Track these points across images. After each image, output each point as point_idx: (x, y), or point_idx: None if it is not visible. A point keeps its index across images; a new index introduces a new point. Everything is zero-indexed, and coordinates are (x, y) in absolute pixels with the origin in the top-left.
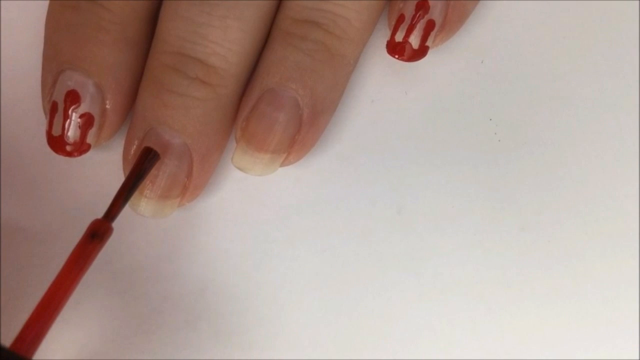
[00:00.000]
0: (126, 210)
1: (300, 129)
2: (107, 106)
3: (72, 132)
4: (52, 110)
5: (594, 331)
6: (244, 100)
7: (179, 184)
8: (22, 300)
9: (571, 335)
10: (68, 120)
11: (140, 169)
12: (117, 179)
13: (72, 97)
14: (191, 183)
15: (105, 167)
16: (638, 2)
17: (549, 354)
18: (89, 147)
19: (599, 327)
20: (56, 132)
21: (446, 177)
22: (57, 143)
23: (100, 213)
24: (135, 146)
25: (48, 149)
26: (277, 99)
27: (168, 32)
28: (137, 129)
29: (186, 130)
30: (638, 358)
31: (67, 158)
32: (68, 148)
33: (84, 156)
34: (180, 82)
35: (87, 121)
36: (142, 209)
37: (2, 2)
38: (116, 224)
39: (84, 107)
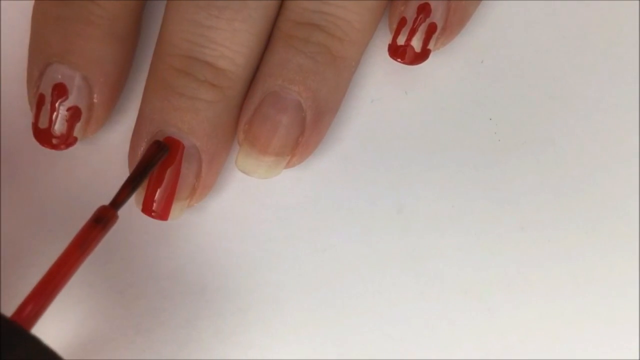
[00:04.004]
0: (127, 210)
1: (304, 131)
2: (95, 100)
3: (58, 125)
4: (38, 103)
5: (594, 331)
6: (246, 102)
7: (188, 185)
8: (22, 298)
9: (571, 335)
10: (55, 113)
11: (149, 160)
12: (117, 178)
13: (59, 90)
14: (200, 184)
15: (107, 166)
16: (638, 2)
17: (549, 353)
18: (75, 140)
19: (599, 327)
20: (43, 124)
21: (446, 177)
22: (43, 136)
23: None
24: (142, 149)
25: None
26: (280, 101)
27: (175, 35)
28: (145, 131)
29: (195, 132)
30: (638, 358)
31: (67, 157)
32: (54, 141)
33: (85, 155)
34: (189, 85)
35: (74, 114)
36: (152, 211)
37: (2, 2)
38: (117, 224)
39: (71, 100)
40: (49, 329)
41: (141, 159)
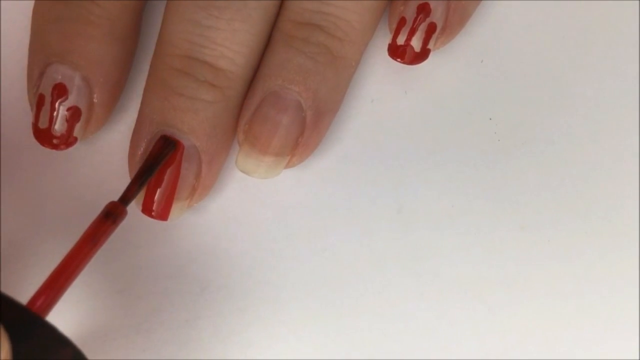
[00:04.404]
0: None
1: (304, 132)
2: (95, 100)
3: (59, 125)
4: (38, 103)
5: (594, 331)
6: (246, 102)
7: (188, 185)
8: (23, 299)
9: (571, 335)
10: (55, 113)
11: (156, 156)
12: (118, 178)
13: (60, 90)
14: (200, 184)
15: (107, 166)
16: (638, 2)
17: (549, 354)
18: (75, 140)
19: (599, 327)
20: (43, 124)
21: (446, 177)
22: (43, 135)
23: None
24: (142, 149)
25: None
26: (280, 101)
27: (175, 35)
28: (145, 131)
29: (195, 133)
30: (638, 358)
31: (67, 157)
32: (55, 141)
33: (85, 155)
34: (189, 85)
35: (74, 114)
36: (152, 212)
37: (2, 2)
38: None
39: (71, 100)
40: None
41: (149, 155)
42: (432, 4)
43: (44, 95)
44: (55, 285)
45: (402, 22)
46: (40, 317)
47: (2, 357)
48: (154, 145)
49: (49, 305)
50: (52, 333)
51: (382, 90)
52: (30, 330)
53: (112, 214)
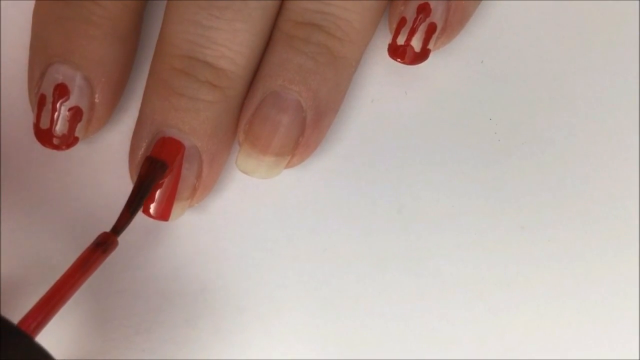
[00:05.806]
0: None
1: (304, 132)
2: (96, 100)
3: (60, 125)
4: (40, 103)
5: (594, 331)
6: (246, 102)
7: (189, 186)
8: (23, 299)
9: (571, 335)
10: (56, 113)
11: (144, 180)
12: (118, 178)
13: (61, 90)
14: (200, 184)
15: (107, 166)
16: (638, 2)
17: (549, 354)
18: (77, 140)
19: (599, 327)
20: (44, 125)
21: (446, 177)
22: (44, 136)
23: (101, 213)
24: (143, 149)
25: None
26: (280, 101)
27: (176, 36)
28: (145, 132)
29: (196, 133)
30: (638, 358)
31: (68, 157)
32: (56, 141)
33: (86, 155)
34: (190, 85)
35: (76, 114)
36: (153, 212)
37: (2, 2)
38: None
39: (72, 101)
40: (48, 329)
41: (137, 180)
42: (432, 4)
43: (45, 95)
44: (43, 311)
45: (402, 22)
46: (23, 331)
47: None
48: (141, 170)
49: (37, 328)
50: (32, 345)
51: (382, 90)
52: (10, 342)
53: (102, 244)
